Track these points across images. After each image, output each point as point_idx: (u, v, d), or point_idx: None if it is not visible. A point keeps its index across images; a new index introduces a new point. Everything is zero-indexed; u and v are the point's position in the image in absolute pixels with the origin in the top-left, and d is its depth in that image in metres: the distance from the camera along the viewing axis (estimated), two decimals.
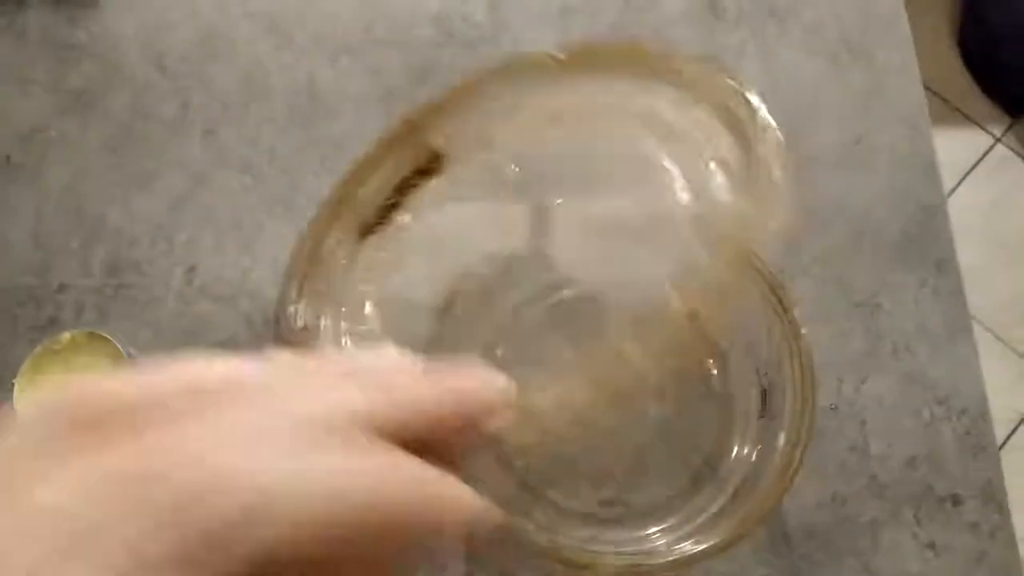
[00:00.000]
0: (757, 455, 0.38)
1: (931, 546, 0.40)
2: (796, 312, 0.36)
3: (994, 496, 0.40)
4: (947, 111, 1.47)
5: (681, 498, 0.40)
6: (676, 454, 0.41)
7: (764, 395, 0.38)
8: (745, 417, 0.40)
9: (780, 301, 0.36)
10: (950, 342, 0.43)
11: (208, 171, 0.45)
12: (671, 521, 0.38)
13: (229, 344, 0.42)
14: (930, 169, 0.46)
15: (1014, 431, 1.29)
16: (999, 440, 1.07)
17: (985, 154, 1.47)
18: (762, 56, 0.48)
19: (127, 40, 0.48)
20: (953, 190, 1.43)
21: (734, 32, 0.49)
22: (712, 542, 0.33)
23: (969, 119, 1.48)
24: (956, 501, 0.40)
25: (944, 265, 0.44)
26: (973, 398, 0.42)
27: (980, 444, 0.41)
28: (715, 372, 0.42)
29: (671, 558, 0.34)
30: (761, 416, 0.38)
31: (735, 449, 0.40)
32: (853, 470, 0.41)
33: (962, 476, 0.41)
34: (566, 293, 0.42)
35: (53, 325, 0.42)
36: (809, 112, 0.47)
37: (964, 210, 1.40)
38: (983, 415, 0.42)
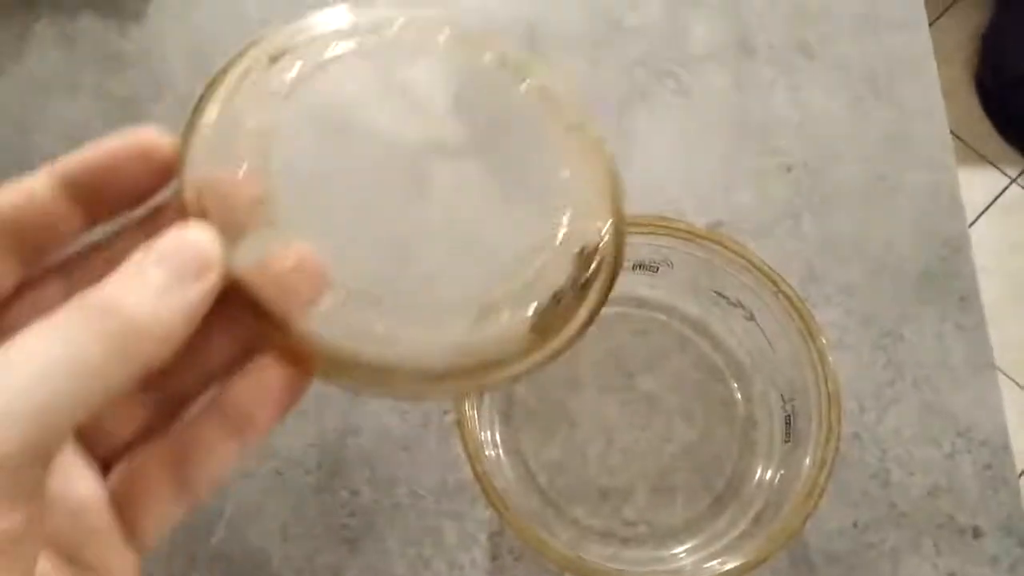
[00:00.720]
0: (780, 479, 0.38)
1: None
2: (822, 338, 0.36)
3: (1014, 530, 0.40)
4: (965, 152, 1.49)
5: (704, 520, 0.40)
6: (700, 476, 0.41)
7: (788, 420, 0.39)
8: (769, 441, 0.41)
9: (807, 327, 0.37)
10: (971, 376, 0.43)
11: None
12: (693, 542, 0.39)
13: None
14: (954, 206, 0.47)
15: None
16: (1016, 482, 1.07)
17: (1001, 194, 1.48)
18: (791, 93, 0.49)
19: (173, 50, 0.50)
20: (969, 228, 1.44)
21: (764, 69, 0.50)
22: (736, 563, 0.34)
23: (986, 160, 1.50)
24: (976, 533, 0.40)
25: (967, 300, 0.45)
26: (994, 432, 0.42)
27: (1001, 477, 0.41)
28: (739, 396, 0.42)
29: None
30: (786, 441, 0.39)
31: (758, 473, 0.40)
32: (874, 498, 0.41)
33: (983, 508, 0.41)
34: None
35: None
36: (835, 149, 0.48)
37: (979, 249, 1.41)
38: (1004, 448, 0.42)
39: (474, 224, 0.22)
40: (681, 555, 0.38)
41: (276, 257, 0.19)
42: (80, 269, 0.20)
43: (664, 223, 0.39)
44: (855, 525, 0.41)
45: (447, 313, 0.20)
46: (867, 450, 0.42)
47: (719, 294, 0.41)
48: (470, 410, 0.36)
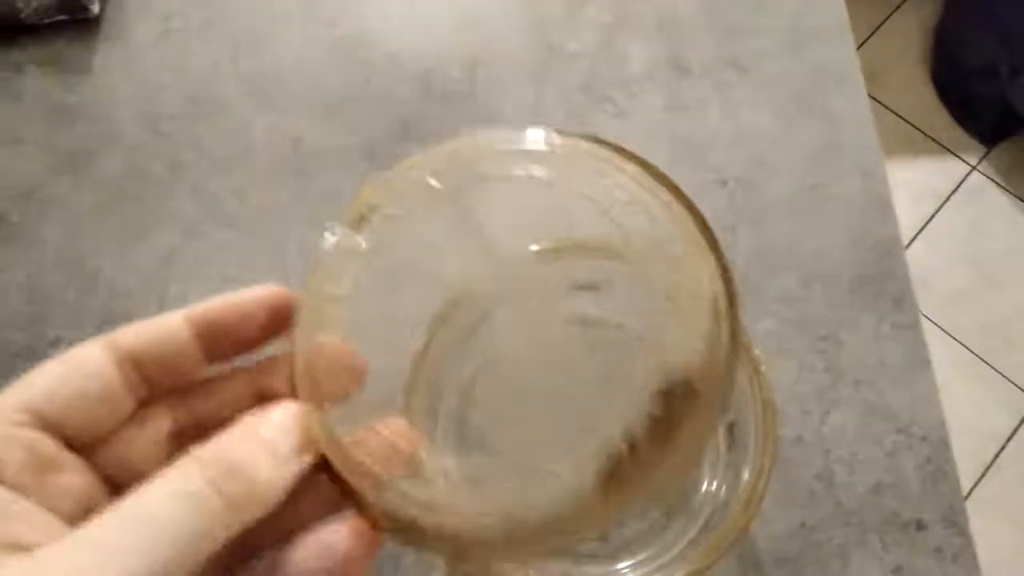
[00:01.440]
0: (725, 487, 0.39)
1: (897, 570, 0.41)
2: (755, 350, 0.38)
3: (955, 521, 0.42)
4: (925, 142, 1.52)
5: (654, 533, 0.42)
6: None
7: (731, 428, 0.40)
8: (715, 451, 0.42)
9: (741, 341, 0.38)
10: (909, 375, 0.45)
11: (198, 226, 0.48)
12: (644, 555, 0.40)
13: None
14: (886, 211, 0.48)
15: (1001, 451, 1.31)
16: (987, 460, 1.09)
17: (962, 181, 1.52)
18: (723, 110, 0.51)
19: (120, 102, 0.51)
20: (932, 216, 1.47)
21: (697, 87, 0.51)
22: (680, 573, 0.35)
23: (946, 148, 1.53)
24: (920, 526, 0.42)
25: (902, 301, 0.46)
26: (933, 427, 0.44)
27: (941, 470, 0.43)
28: None
29: None
30: (730, 449, 0.40)
31: (705, 483, 0.41)
32: (820, 498, 0.42)
33: (925, 502, 0.42)
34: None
35: None
36: (767, 162, 0.49)
37: (942, 236, 1.44)
38: (943, 442, 0.43)
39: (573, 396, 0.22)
40: (626, 570, 0.39)
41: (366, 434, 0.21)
42: (183, 399, 0.23)
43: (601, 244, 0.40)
44: (803, 525, 0.42)
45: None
46: (811, 452, 0.43)
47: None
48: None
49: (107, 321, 0.45)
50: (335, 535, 0.21)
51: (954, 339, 1.32)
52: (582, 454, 0.21)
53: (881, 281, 0.47)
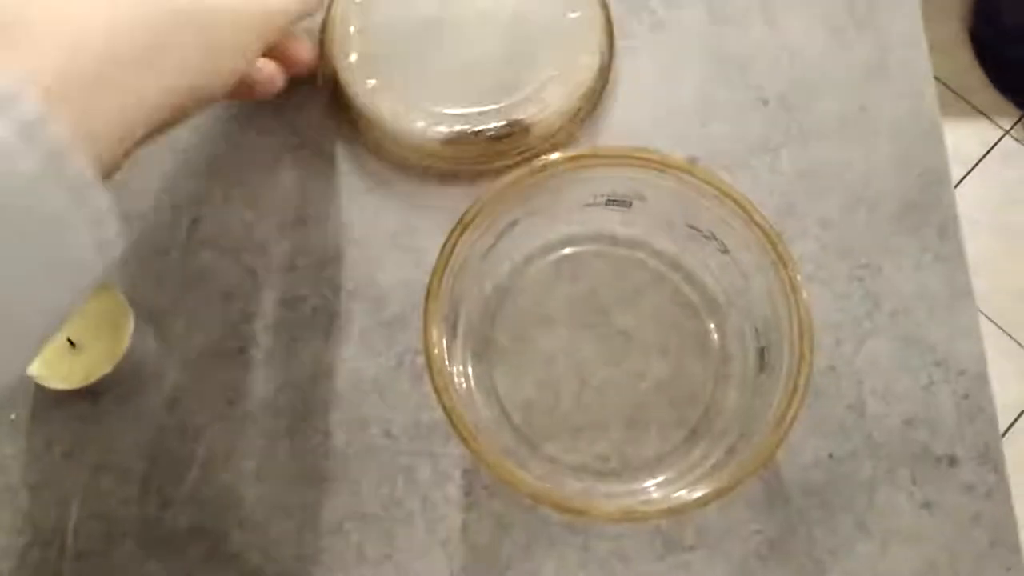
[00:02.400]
0: (752, 410, 0.38)
1: (927, 506, 0.40)
2: (795, 268, 0.36)
3: (991, 458, 0.40)
4: (958, 103, 1.48)
5: (677, 453, 0.40)
6: (673, 410, 0.41)
7: (762, 352, 0.39)
8: (742, 374, 0.40)
9: (780, 257, 0.36)
10: (950, 307, 0.43)
11: (215, 125, 0.46)
12: (667, 475, 0.39)
13: (231, 294, 0.43)
14: (934, 137, 0.46)
15: (1015, 421, 1.29)
16: (1001, 429, 1.08)
17: (994, 146, 1.48)
18: (767, 24, 0.48)
19: None
20: (961, 181, 1.43)
21: (739, 0, 0.49)
22: (705, 491, 0.33)
23: (979, 111, 1.48)
24: (952, 462, 0.40)
25: (946, 231, 0.44)
26: (972, 361, 0.42)
27: (978, 406, 0.41)
28: (714, 330, 0.42)
29: (665, 506, 0.34)
30: (759, 372, 0.39)
31: (731, 405, 0.40)
32: (850, 429, 0.41)
33: (959, 438, 0.41)
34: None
35: None
36: (813, 81, 0.47)
37: (972, 201, 1.41)
38: (981, 378, 0.42)
39: None
40: (651, 488, 0.37)
41: None
42: None
43: (637, 154, 0.38)
44: (831, 456, 0.40)
45: None
46: (843, 382, 0.42)
47: (693, 228, 0.41)
48: (438, 347, 0.35)
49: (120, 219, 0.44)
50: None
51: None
52: None
53: (926, 210, 0.45)
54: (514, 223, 0.40)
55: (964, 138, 1.47)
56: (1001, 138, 1.48)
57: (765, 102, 0.47)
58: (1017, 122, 1.49)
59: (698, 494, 0.33)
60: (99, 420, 0.41)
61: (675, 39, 0.48)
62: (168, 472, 0.40)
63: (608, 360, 0.42)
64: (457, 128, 0.43)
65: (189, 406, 0.41)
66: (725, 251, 0.40)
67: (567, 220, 0.44)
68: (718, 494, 0.33)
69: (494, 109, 0.43)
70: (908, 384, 0.42)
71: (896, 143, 0.46)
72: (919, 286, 0.43)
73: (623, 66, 0.47)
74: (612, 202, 0.41)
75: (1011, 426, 1.28)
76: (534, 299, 0.43)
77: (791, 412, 0.34)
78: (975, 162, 1.46)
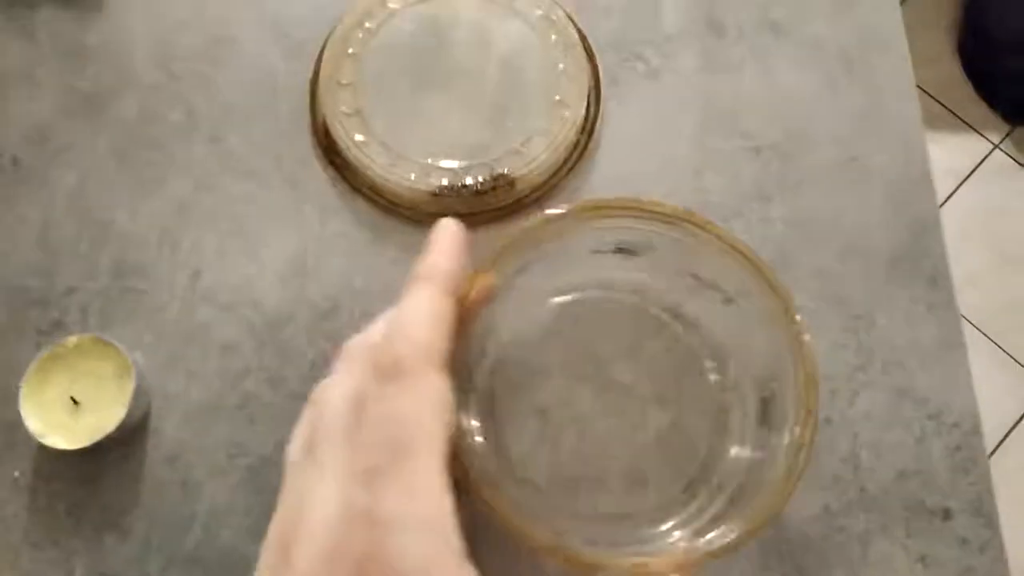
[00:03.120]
0: (755, 462, 0.38)
1: (921, 560, 0.40)
2: (799, 319, 0.36)
3: (984, 511, 0.41)
4: (947, 117, 1.49)
5: (676, 504, 0.41)
6: (672, 462, 0.41)
7: (764, 402, 0.39)
8: (742, 424, 0.41)
9: (785, 308, 0.37)
10: (942, 357, 0.43)
11: (214, 177, 0.46)
12: (669, 524, 0.39)
13: (231, 348, 0.43)
14: (924, 185, 0.46)
15: (1007, 436, 1.30)
16: (992, 444, 1.08)
17: (983, 160, 1.49)
18: (761, 73, 0.49)
19: (134, 43, 0.49)
20: (951, 195, 1.44)
21: (733, 48, 0.49)
22: (724, 541, 0.33)
23: (968, 125, 1.50)
24: (946, 515, 0.41)
25: (937, 280, 0.45)
26: (964, 413, 0.42)
27: (971, 458, 0.42)
28: (713, 378, 0.42)
29: (679, 556, 0.34)
30: (761, 424, 0.39)
31: (731, 455, 0.40)
32: (845, 482, 0.41)
33: (952, 490, 0.41)
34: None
35: (58, 328, 0.43)
36: (806, 130, 0.48)
37: (961, 215, 1.42)
38: (974, 430, 0.42)
39: None
40: (658, 535, 0.38)
41: None
42: None
43: (644, 206, 0.38)
44: (826, 510, 0.41)
45: None
46: (838, 435, 0.42)
47: (695, 277, 0.41)
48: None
49: (119, 273, 0.44)
50: None
51: (966, 319, 1.30)
52: None
53: (917, 259, 0.45)
54: (522, 269, 0.40)
55: (953, 152, 1.47)
56: (991, 152, 1.49)
57: (758, 151, 0.47)
58: (1006, 136, 1.50)
59: (719, 544, 0.33)
60: (101, 478, 0.41)
61: (667, 88, 0.48)
62: (170, 530, 0.40)
63: (606, 411, 0.43)
64: (445, 182, 0.43)
65: (189, 461, 0.41)
66: (728, 301, 0.40)
67: (569, 268, 0.44)
68: (735, 545, 0.33)
69: (480, 163, 0.44)
70: (901, 437, 0.42)
71: (887, 192, 0.46)
72: (911, 337, 0.44)
73: (613, 116, 0.48)
74: (618, 250, 0.42)
75: (1003, 440, 1.29)
76: (533, 349, 0.44)
77: (798, 466, 0.34)
78: (964, 176, 1.47)
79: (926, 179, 0.47)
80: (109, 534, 0.40)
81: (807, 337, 0.36)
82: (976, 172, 1.47)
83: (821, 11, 0.50)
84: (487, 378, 0.43)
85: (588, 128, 0.46)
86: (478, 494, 0.34)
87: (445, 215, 0.45)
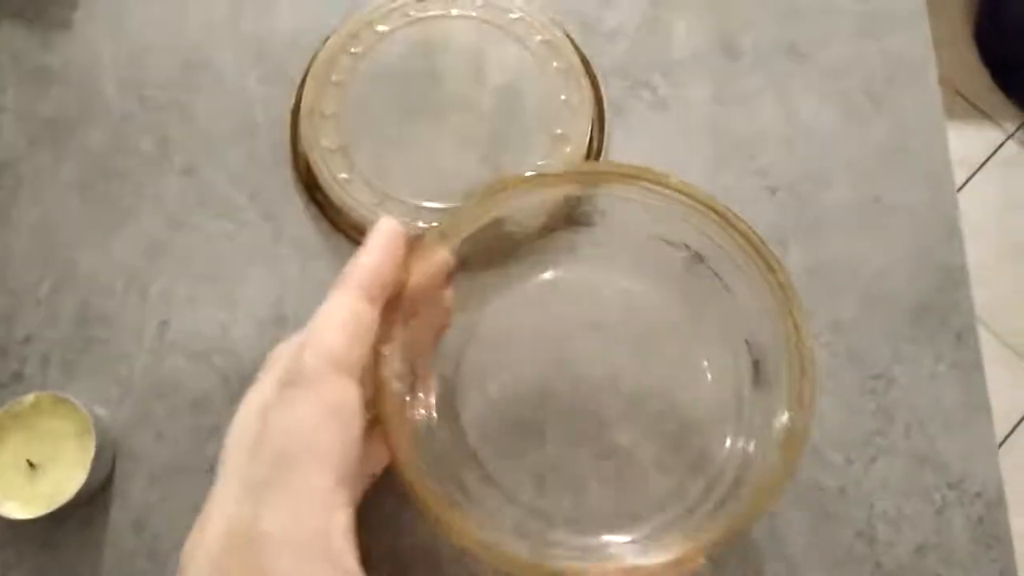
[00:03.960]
0: (755, 439, 0.35)
1: None
2: (784, 272, 0.33)
3: None
4: (962, 106, 1.45)
5: (679, 493, 0.37)
6: (670, 451, 0.38)
7: (756, 366, 0.36)
8: (738, 402, 0.37)
9: (767, 264, 0.34)
10: (966, 422, 0.40)
11: (187, 214, 0.43)
12: (666, 517, 0.36)
13: (202, 403, 0.40)
14: (953, 233, 0.43)
15: (1008, 436, 1.28)
16: (999, 438, 1.06)
17: (997, 149, 1.45)
18: (779, 103, 0.45)
19: (102, 65, 0.45)
20: (963, 185, 1.41)
21: (750, 76, 0.45)
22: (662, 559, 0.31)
23: (983, 114, 1.45)
24: None
25: (963, 336, 0.42)
26: (988, 483, 0.40)
27: (994, 534, 0.39)
28: (706, 363, 0.39)
29: (679, 552, 0.31)
30: (755, 387, 0.36)
31: (729, 440, 0.37)
32: (860, 557, 0.39)
33: (973, 567, 0.38)
34: None
35: (17, 380, 0.40)
36: (826, 165, 0.44)
37: (973, 206, 1.38)
38: (998, 500, 0.39)
39: None
40: (653, 531, 0.35)
41: None
42: None
43: (610, 169, 0.35)
44: None
45: None
46: (853, 505, 0.39)
47: (667, 241, 0.37)
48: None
49: (83, 320, 0.41)
50: None
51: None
52: None
53: (943, 312, 0.42)
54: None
55: (967, 141, 1.44)
56: (1005, 141, 1.45)
57: (773, 191, 0.44)
58: (1021, 125, 1.46)
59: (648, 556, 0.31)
60: (61, 545, 0.38)
61: (677, 119, 0.45)
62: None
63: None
64: (433, 224, 0.40)
65: (157, 528, 0.39)
66: (700, 260, 0.37)
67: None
68: (747, 519, 0.30)
69: None
70: (920, 507, 0.39)
71: (912, 237, 0.43)
72: (934, 399, 0.41)
73: (618, 149, 0.44)
74: (576, 223, 0.39)
75: (1004, 440, 1.27)
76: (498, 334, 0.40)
77: (798, 428, 0.31)
78: (978, 166, 1.44)
79: (954, 228, 0.43)
80: None
81: (791, 283, 0.33)
82: (989, 162, 1.43)
83: (845, 32, 0.47)
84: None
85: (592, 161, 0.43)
86: (401, 477, 0.30)
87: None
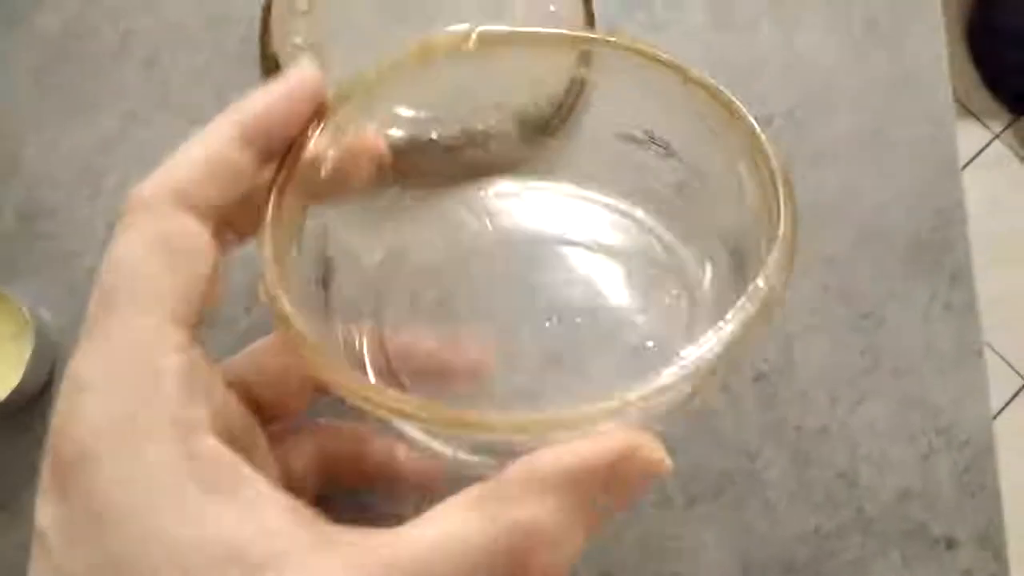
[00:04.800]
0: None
1: None
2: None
3: (992, 542, 0.36)
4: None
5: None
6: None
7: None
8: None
9: (729, 111, 0.29)
10: (958, 365, 0.39)
11: (145, 108, 0.40)
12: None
13: None
14: (951, 171, 0.41)
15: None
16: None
17: (982, 150, 1.44)
18: (778, 33, 0.43)
19: None
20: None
21: (747, 4, 0.43)
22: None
23: (970, 113, 1.45)
24: (950, 544, 0.36)
25: (958, 277, 0.40)
26: (977, 429, 0.38)
27: (980, 483, 0.37)
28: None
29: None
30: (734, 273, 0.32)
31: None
32: (840, 501, 0.37)
33: (959, 517, 0.37)
34: None
35: None
36: (826, 98, 0.42)
37: None
38: (987, 449, 0.38)
39: None
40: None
41: None
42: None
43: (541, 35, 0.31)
44: (816, 531, 0.36)
45: None
46: (835, 447, 0.37)
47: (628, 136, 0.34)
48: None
49: (30, 215, 0.38)
50: None
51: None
52: None
53: (938, 251, 0.40)
54: None
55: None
56: (990, 142, 1.45)
57: (770, 120, 0.42)
58: (1007, 127, 1.45)
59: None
60: None
61: (672, 43, 0.43)
62: None
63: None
64: (410, 133, 0.37)
65: None
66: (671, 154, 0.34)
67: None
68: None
69: (451, 115, 0.38)
70: (906, 452, 0.37)
71: (911, 172, 0.41)
72: (925, 341, 0.39)
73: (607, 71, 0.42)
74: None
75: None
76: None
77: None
78: (962, 166, 1.43)
79: (953, 166, 0.41)
80: None
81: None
82: (974, 162, 1.43)
83: None
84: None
85: (579, 80, 0.41)
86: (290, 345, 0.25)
87: (408, 174, 0.39)
